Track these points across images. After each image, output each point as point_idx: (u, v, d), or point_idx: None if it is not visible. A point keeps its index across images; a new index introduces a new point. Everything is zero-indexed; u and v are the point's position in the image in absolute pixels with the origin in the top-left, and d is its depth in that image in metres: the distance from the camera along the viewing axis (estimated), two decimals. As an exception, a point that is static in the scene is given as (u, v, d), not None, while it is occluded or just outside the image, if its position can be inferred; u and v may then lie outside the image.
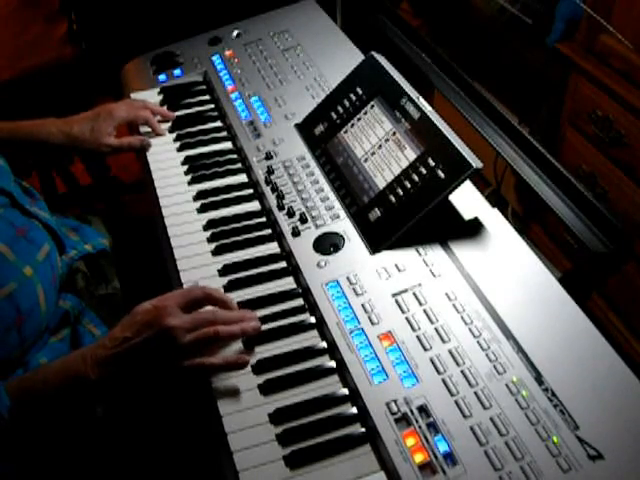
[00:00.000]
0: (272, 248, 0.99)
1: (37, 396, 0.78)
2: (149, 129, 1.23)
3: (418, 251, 0.91)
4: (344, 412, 0.77)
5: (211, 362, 0.81)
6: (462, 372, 0.77)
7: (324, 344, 0.85)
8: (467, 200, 0.98)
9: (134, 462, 0.91)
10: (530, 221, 1.80)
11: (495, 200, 1.71)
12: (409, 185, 0.94)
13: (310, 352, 0.84)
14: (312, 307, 0.89)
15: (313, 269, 0.92)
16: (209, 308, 0.86)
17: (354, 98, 1.09)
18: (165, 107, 1.30)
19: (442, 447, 0.71)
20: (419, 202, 0.92)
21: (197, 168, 1.14)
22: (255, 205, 1.08)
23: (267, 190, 1.06)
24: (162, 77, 1.37)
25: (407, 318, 0.83)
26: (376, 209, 0.96)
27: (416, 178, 0.94)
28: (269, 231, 1.02)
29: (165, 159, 1.18)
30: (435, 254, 0.90)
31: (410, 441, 0.72)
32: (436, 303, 0.84)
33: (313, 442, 0.75)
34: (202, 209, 1.07)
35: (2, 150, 1.01)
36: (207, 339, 0.81)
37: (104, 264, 1.09)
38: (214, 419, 0.78)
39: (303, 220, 1.00)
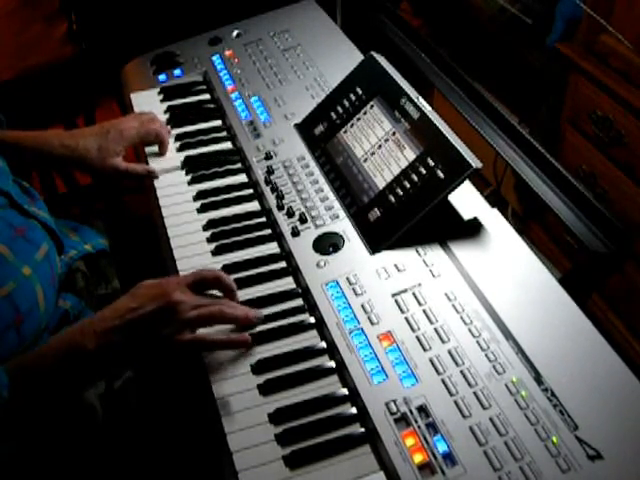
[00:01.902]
0: (272, 248, 0.99)
1: (36, 371, 0.78)
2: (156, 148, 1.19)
3: (418, 251, 0.91)
4: (344, 412, 0.77)
5: (213, 339, 0.83)
6: (461, 372, 0.76)
7: (324, 344, 0.85)
8: (467, 200, 0.98)
9: (134, 462, 0.91)
10: (530, 221, 1.80)
11: (495, 200, 1.71)
12: (409, 185, 0.94)
13: (310, 352, 0.84)
14: (312, 307, 0.89)
15: (313, 269, 0.92)
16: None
17: (354, 98, 1.09)
18: (166, 105, 1.30)
19: (441, 447, 0.71)
20: (419, 202, 0.92)
21: (197, 168, 1.14)
22: (255, 205, 1.08)
23: (267, 190, 1.06)
24: (162, 77, 1.37)
25: (407, 318, 0.83)
26: (376, 209, 0.96)
27: (416, 178, 0.94)
28: (269, 231, 1.02)
29: (165, 159, 1.18)
30: (435, 254, 0.90)
31: (409, 441, 0.72)
32: (436, 303, 0.84)
33: (313, 442, 0.75)
34: (202, 209, 1.07)
35: (7, 156, 1.00)
36: (211, 317, 0.82)
37: (104, 264, 1.09)
38: (214, 419, 0.78)
39: (303, 220, 1.00)
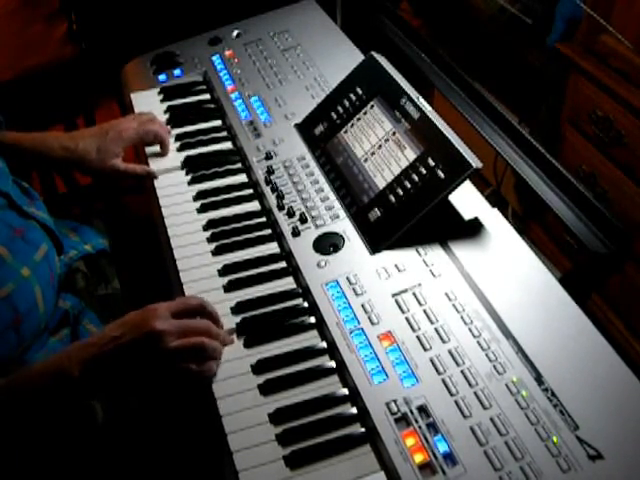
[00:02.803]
0: (272, 248, 0.99)
1: (22, 393, 0.78)
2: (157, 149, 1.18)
3: (418, 251, 0.91)
4: (344, 412, 0.77)
5: (198, 370, 0.81)
6: (462, 372, 0.76)
7: (324, 344, 0.85)
8: (467, 200, 0.98)
9: (134, 462, 0.91)
10: (530, 221, 1.80)
11: (495, 200, 1.71)
12: (409, 185, 0.94)
13: (310, 352, 0.84)
14: (312, 307, 0.89)
15: (313, 269, 0.92)
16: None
17: (354, 98, 1.09)
18: (166, 105, 1.30)
19: (442, 447, 0.71)
20: (419, 202, 0.92)
21: (197, 168, 1.14)
22: (255, 205, 1.07)
23: (267, 190, 1.06)
24: (162, 77, 1.37)
25: (407, 318, 0.83)
26: (376, 209, 0.96)
27: (416, 178, 0.94)
28: (269, 231, 1.02)
29: (165, 159, 1.18)
30: (435, 254, 0.90)
31: (410, 441, 0.72)
32: (436, 303, 0.84)
33: (313, 442, 0.75)
34: (202, 209, 1.07)
35: (6, 157, 1.00)
36: (192, 348, 0.80)
37: (104, 264, 1.09)
38: (214, 419, 0.78)
39: (303, 220, 1.00)
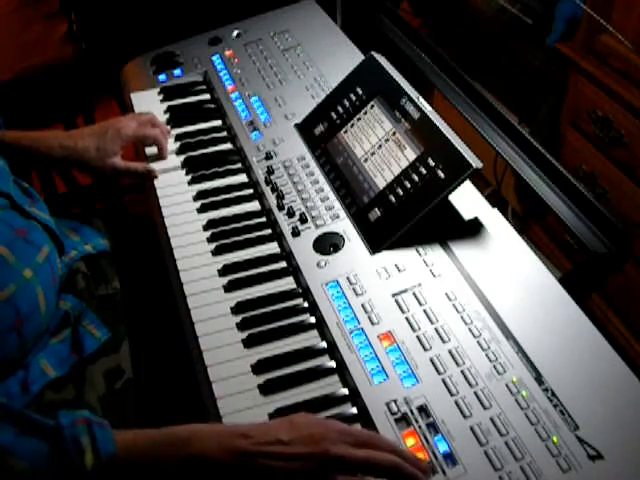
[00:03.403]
0: (272, 248, 0.99)
1: (142, 455, 0.67)
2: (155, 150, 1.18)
3: (418, 251, 0.91)
4: (344, 412, 0.77)
5: None
6: (462, 372, 0.77)
7: (324, 344, 0.85)
8: (467, 200, 0.98)
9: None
10: (530, 221, 1.80)
11: (495, 200, 1.71)
12: (409, 185, 0.94)
13: (310, 352, 0.84)
14: (312, 307, 0.89)
15: (313, 269, 0.92)
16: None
17: (354, 98, 1.09)
18: (166, 105, 1.30)
19: (442, 447, 0.71)
20: (419, 202, 0.92)
21: (197, 168, 1.14)
22: (255, 205, 1.07)
23: (267, 190, 1.06)
24: (162, 77, 1.37)
25: (407, 318, 0.83)
26: (376, 209, 0.96)
27: (416, 178, 0.94)
28: (269, 231, 1.02)
29: (165, 159, 1.18)
30: (435, 254, 0.90)
31: (410, 441, 0.72)
32: (436, 303, 0.84)
33: (313, 442, 0.75)
34: (202, 209, 1.07)
35: (6, 156, 1.00)
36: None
37: (104, 264, 1.09)
38: (214, 419, 0.78)
39: (303, 220, 1.00)
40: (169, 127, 1.23)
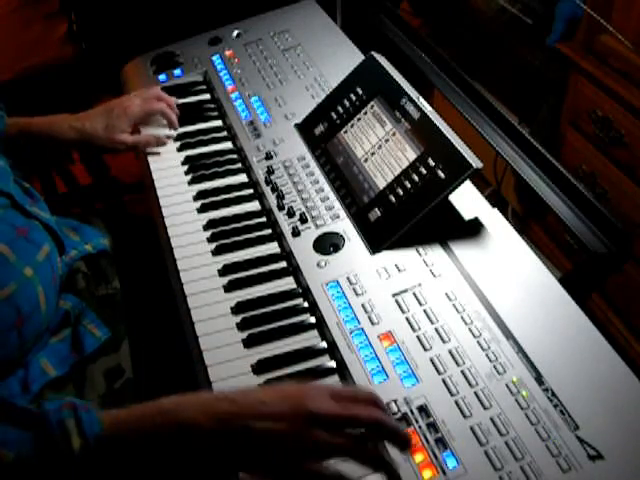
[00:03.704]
0: (272, 248, 0.99)
1: (130, 438, 0.65)
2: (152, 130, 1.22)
3: (418, 251, 0.91)
4: (344, 412, 0.77)
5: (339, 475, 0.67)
6: (462, 372, 0.77)
7: (324, 344, 0.85)
8: (467, 200, 0.98)
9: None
10: (530, 221, 1.80)
11: (495, 200, 1.71)
12: (409, 185, 0.94)
13: (310, 352, 0.84)
14: (312, 307, 0.89)
15: (313, 269, 0.92)
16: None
17: (354, 98, 1.09)
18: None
19: (442, 447, 0.71)
20: (419, 202, 0.92)
21: (197, 168, 1.14)
22: (255, 205, 1.07)
23: (267, 190, 1.06)
24: (162, 77, 1.37)
25: (407, 318, 0.83)
26: (376, 209, 0.96)
27: (416, 178, 0.94)
28: (269, 231, 1.02)
29: (165, 159, 1.18)
30: (435, 254, 0.90)
31: (410, 441, 0.72)
32: (436, 303, 0.84)
33: (313, 442, 0.75)
34: (202, 209, 1.07)
35: (14, 147, 1.01)
36: (349, 450, 0.66)
37: (104, 264, 1.09)
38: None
39: (303, 220, 1.00)
40: (175, 98, 1.25)
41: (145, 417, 0.66)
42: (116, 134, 1.15)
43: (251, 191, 1.10)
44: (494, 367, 0.77)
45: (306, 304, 0.90)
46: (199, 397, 0.69)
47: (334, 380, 0.81)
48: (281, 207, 1.02)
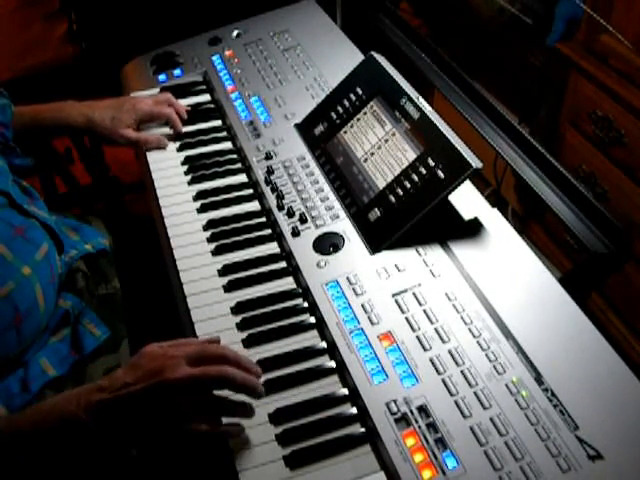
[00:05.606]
0: (272, 248, 0.99)
1: (26, 436, 0.71)
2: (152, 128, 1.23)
3: (418, 251, 0.91)
4: (344, 412, 0.77)
5: (219, 430, 0.75)
6: (462, 372, 0.76)
7: (324, 344, 0.85)
8: (467, 200, 0.98)
9: (133, 464, 0.90)
10: (530, 221, 1.80)
11: (495, 200, 1.71)
12: (409, 185, 0.94)
13: (310, 352, 0.84)
14: (312, 307, 0.89)
15: (313, 269, 0.92)
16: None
17: (354, 98, 1.09)
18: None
19: (442, 447, 0.71)
20: (419, 202, 0.92)
21: (197, 168, 1.14)
22: (255, 205, 1.07)
23: (267, 190, 1.06)
24: (162, 77, 1.37)
25: (407, 318, 0.83)
26: (376, 209, 0.96)
27: (416, 178, 0.94)
28: (269, 231, 1.02)
29: (165, 159, 1.18)
30: (435, 254, 0.90)
31: (410, 441, 0.72)
32: (436, 303, 0.84)
33: (313, 442, 0.75)
34: (202, 209, 1.07)
35: (22, 137, 1.02)
36: (208, 405, 0.74)
37: (104, 264, 1.09)
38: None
39: (303, 220, 1.00)
40: (185, 104, 1.26)
41: (34, 416, 0.73)
42: (121, 127, 1.18)
43: (251, 191, 1.10)
44: (494, 367, 0.76)
45: (306, 304, 0.90)
46: (78, 392, 0.73)
47: (334, 380, 0.81)
48: (281, 207, 1.02)
